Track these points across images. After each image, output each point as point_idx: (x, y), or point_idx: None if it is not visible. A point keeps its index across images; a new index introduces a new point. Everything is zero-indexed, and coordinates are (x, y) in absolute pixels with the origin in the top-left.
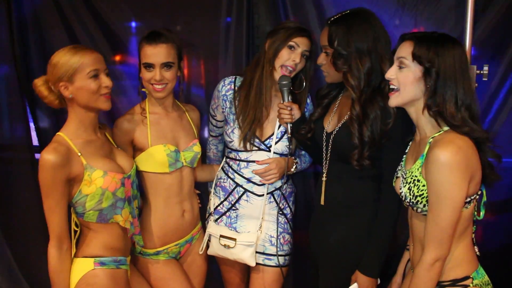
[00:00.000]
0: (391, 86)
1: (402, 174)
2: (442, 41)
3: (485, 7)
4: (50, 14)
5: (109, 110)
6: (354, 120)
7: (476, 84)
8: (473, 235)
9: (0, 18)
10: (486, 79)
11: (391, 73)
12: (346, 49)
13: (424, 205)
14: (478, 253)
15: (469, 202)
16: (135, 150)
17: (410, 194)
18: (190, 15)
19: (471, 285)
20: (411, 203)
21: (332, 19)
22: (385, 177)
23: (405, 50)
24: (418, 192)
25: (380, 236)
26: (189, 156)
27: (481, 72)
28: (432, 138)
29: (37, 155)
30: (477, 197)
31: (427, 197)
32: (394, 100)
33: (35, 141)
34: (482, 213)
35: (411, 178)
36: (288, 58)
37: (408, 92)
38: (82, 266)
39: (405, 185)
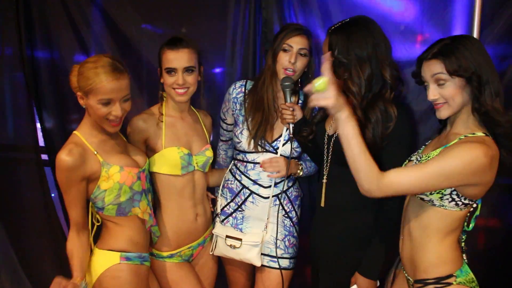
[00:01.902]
0: (437, 102)
1: (416, 158)
2: (462, 43)
3: (492, 15)
4: (57, 16)
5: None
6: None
7: None
8: (463, 243)
9: (8, 19)
10: None
11: (434, 95)
12: (346, 57)
13: None
14: (466, 260)
15: (465, 205)
16: (148, 150)
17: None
18: (197, 18)
19: (454, 283)
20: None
21: (333, 28)
22: None
23: (437, 68)
24: None
25: (380, 239)
26: (201, 161)
27: None
28: (464, 136)
29: (43, 156)
30: (472, 208)
31: None
32: (445, 112)
33: (41, 142)
34: (471, 225)
35: (425, 161)
36: (285, 60)
37: (457, 102)
38: (107, 259)
39: None
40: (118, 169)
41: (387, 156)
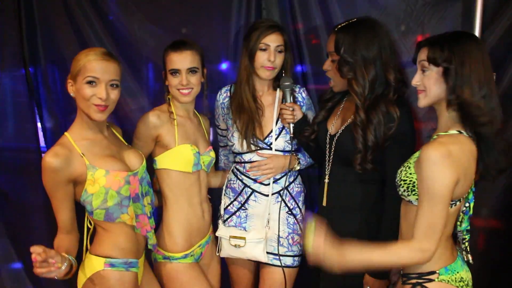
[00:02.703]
0: (418, 89)
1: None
2: (456, 37)
3: (494, 16)
4: (58, 16)
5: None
6: (358, 125)
7: None
8: (466, 243)
9: (9, 19)
10: None
11: (416, 80)
12: (352, 56)
13: (405, 190)
14: (471, 261)
15: (450, 205)
16: (158, 147)
17: (398, 176)
18: (199, 18)
19: (436, 279)
20: (396, 183)
21: (340, 26)
22: (388, 181)
23: (423, 55)
24: (404, 176)
25: (386, 238)
26: (207, 161)
27: None
28: (437, 135)
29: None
30: (464, 209)
31: (408, 184)
32: (422, 101)
33: (42, 142)
34: (464, 225)
35: (407, 163)
36: (264, 59)
37: (433, 92)
38: (93, 264)
39: (402, 168)
40: (104, 173)
41: (389, 156)
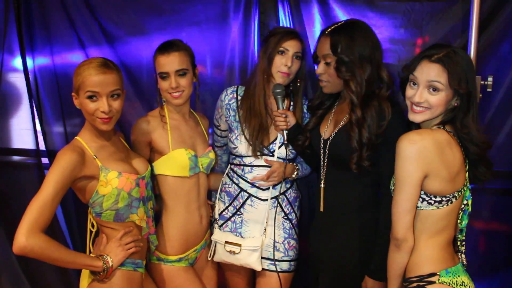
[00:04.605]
0: (418, 107)
1: None
2: (465, 59)
3: (491, 17)
4: (58, 18)
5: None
6: (354, 124)
7: (481, 95)
8: (461, 243)
9: (9, 21)
10: (490, 89)
11: (421, 98)
12: (349, 56)
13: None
14: (465, 261)
15: (439, 202)
16: (154, 152)
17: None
18: (198, 22)
19: (437, 281)
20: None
21: (330, 29)
22: (383, 181)
23: (438, 76)
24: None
25: (385, 240)
26: (206, 162)
27: (486, 83)
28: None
29: (43, 160)
30: (463, 206)
31: None
32: (423, 117)
33: (41, 146)
34: (464, 222)
35: None
36: (281, 64)
37: (439, 111)
38: None
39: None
40: (117, 175)
41: (383, 157)
